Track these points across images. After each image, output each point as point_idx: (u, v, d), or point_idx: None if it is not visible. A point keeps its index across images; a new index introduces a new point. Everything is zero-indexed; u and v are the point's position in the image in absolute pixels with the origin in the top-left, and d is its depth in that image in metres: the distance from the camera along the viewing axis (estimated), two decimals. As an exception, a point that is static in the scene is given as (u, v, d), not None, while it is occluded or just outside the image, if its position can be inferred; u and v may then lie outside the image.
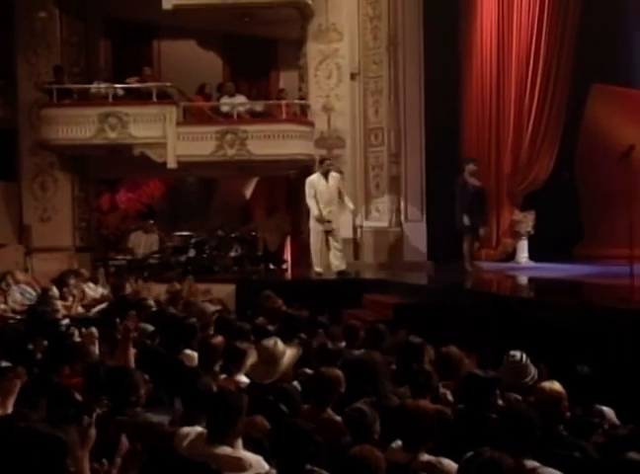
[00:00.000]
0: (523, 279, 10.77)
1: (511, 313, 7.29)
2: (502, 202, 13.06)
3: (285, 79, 15.10)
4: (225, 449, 3.38)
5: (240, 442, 3.53)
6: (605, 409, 4.46)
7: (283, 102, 13.34)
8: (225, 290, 11.43)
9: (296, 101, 13.66)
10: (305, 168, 13.21)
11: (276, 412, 4.15)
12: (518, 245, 12.65)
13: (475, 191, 11.29)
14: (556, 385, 3.98)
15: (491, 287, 10.48)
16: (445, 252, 12.59)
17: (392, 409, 3.91)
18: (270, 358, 4.61)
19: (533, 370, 4.78)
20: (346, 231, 13.13)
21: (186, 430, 3.60)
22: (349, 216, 13.02)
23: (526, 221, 12.50)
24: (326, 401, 4.21)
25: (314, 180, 11.52)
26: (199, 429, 3.58)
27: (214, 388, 4.27)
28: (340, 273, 11.52)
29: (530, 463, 3.16)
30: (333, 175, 11.62)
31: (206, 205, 16.93)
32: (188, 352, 5.73)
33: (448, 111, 13.18)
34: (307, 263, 12.51)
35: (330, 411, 4.17)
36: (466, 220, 11.11)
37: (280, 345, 4.70)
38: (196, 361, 5.47)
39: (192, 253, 13.75)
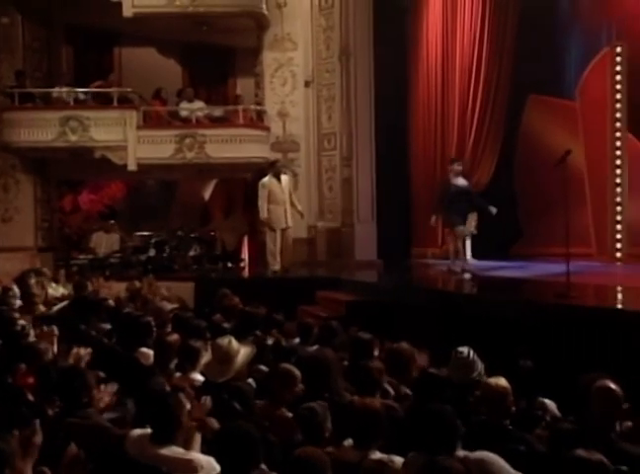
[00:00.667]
0: (467, 277, 10.68)
1: (457, 309, 7.18)
2: (446, 204, 12.95)
3: (243, 86, 14.82)
4: (175, 451, 3.14)
5: (197, 444, 3.31)
6: (547, 401, 4.35)
7: (240, 107, 13.11)
8: (184, 288, 11.16)
9: (253, 106, 13.40)
10: (261, 171, 12.86)
11: (230, 410, 3.93)
12: (462, 244, 12.55)
13: (457, 190, 10.41)
14: (502, 381, 3.82)
15: (437, 285, 10.36)
16: (395, 251, 12.54)
17: (343, 406, 3.69)
18: (224, 357, 4.37)
19: (480, 366, 4.63)
20: (300, 231, 12.97)
21: (137, 431, 3.34)
22: (305, 217, 12.77)
23: (469, 222, 12.43)
24: (281, 399, 4.00)
25: (267, 182, 11.31)
26: (149, 430, 3.33)
27: (167, 387, 4.01)
28: (285, 269, 11.36)
29: (461, 452, 3.00)
30: (284, 177, 11.46)
31: (167, 207, 16.55)
32: (144, 350, 5.45)
33: (397, 117, 13.16)
34: (264, 261, 12.29)
35: (284, 409, 3.95)
36: (453, 220, 10.48)
37: (235, 343, 4.46)
38: (151, 359, 5.20)
39: (152, 252, 13.49)
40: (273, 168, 11.57)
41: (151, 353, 5.27)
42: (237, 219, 15.28)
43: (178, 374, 4.73)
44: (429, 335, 6.93)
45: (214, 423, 3.48)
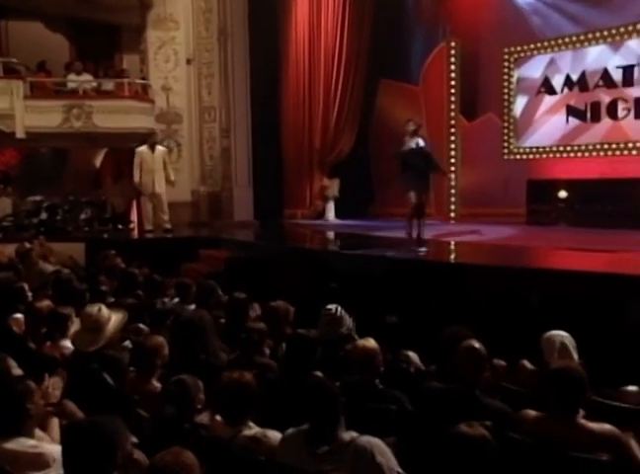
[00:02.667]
0: (332, 235, 10.25)
1: (326, 265, 6.60)
2: (313, 171, 12.53)
3: (128, 61, 13.35)
4: (24, 444, 2.28)
5: (55, 432, 2.49)
6: (411, 353, 3.87)
7: (126, 80, 11.75)
8: (75, 249, 9.97)
9: (138, 80, 12.09)
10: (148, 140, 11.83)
11: (100, 381, 3.12)
12: (326, 206, 12.19)
13: (410, 151, 7.68)
14: (370, 342, 3.25)
15: (305, 242, 9.79)
16: (269, 212, 12.00)
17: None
18: (93, 325, 3.49)
19: (348, 320, 4.06)
20: (184, 195, 12.11)
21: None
22: (189, 182, 12.09)
23: (333, 186, 12.15)
24: (149, 370, 3.21)
25: (139, 151, 10.46)
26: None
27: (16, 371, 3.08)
28: (165, 230, 10.46)
29: (348, 434, 2.38)
30: (159, 148, 10.57)
31: (60, 173, 14.88)
32: (17, 316, 4.46)
33: (271, 93, 12.58)
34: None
35: (154, 381, 3.17)
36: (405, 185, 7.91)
37: (105, 311, 3.59)
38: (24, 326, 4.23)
39: (44, 216, 11.98)
40: (150, 139, 10.67)
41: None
42: (125, 184, 13.96)
43: (49, 343, 3.82)
44: (300, 289, 6.32)
45: (73, 407, 2.65)
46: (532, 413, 2.60)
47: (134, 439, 2.63)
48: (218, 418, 2.64)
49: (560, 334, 3.27)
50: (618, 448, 2.42)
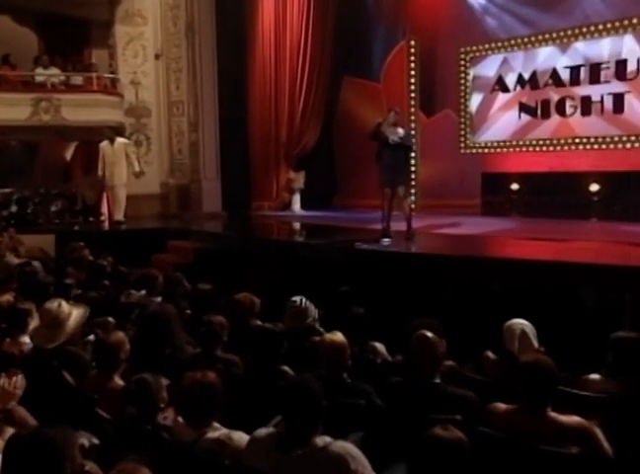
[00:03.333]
0: (298, 226, 9.99)
1: (293, 256, 6.34)
2: (279, 164, 12.20)
3: (97, 56, 12.71)
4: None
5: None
6: (377, 344, 3.66)
7: (94, 74, 11.23)
8: (45, 241, 9.49)
9: (106, 74, 11.56)
10: (117, 134, 11.30)
11: (59, 380, 2.83)
12: (292, 198, 11.90)
13: (388, 143, 6.92)
14: (338, 336, 3.01)
15: (272, 233, 9.50)
16: (237, 203, 11.63)
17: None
18: (53, 321, 3.18)
19: (313, 311, 3.84)
20: (154, 187, 11.72)
21: None
22: (158, 175, 11.66)
23: (299, 179, 11.87)
24: (111, 368, 2.93)
25: (103, 145, 10.10)
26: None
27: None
28: (118, 222, 10.10)
29: (321, 439, 2.14)
30: (119, 140, 10.17)
31: (30, 166, 14.22)
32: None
33: (238, 88, 12.16)
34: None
35: (116, 378, 2.89)
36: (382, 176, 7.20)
37: (65, 306, 3.27)
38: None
39: (14, 208, 11.39)
40: (107, 132, 10.23)
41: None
42: (95, 177, 13.39)
43: (8, 340, 3.49)
44: (266, 279, 6.06)
45: (23, 413, 2.36)
46: (502, 406, 2.43)
47: (95, 441, 2.37)
48: (181, 419, 2.38)
49: (520, 322, 3.12)
50: (588, 440, 2.26)
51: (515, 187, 10.84)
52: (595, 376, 2.93)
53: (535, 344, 3.00)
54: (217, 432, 2.26)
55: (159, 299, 4.83)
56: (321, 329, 3.85)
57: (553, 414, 2.32)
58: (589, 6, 9.79)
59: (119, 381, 2.83)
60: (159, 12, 11.85)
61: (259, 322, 4.59)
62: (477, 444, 2.24)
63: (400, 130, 7.08)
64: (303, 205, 11.79)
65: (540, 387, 2.31)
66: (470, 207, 10.62)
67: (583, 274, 4.83)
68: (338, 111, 12.61)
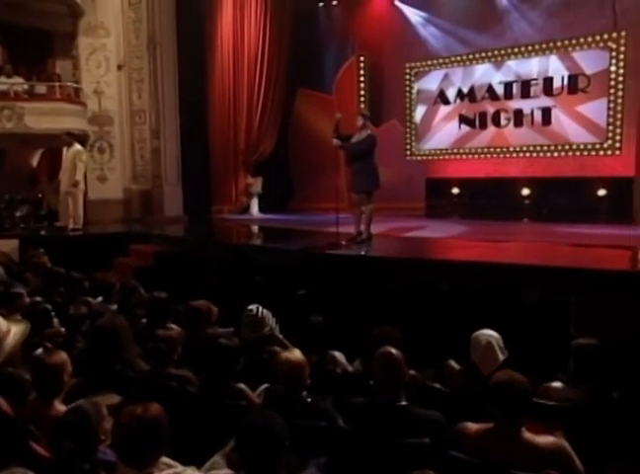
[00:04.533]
0: (256, 229, 9.50)
1: (248, 260, 5.86)
2: (238, 170, 11.66)
3: (61, 66, 11.79)
4: None
5: None
6: (337, 353, 3.24)
7: (57, 83, 10.40)
8: (9, 246, 8.68)
9: (69, 84, 10.73)
10: (82, 142, 10.55)
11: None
12: (251, 202, 11.38)
13: (348, 147, 6.45)
14: (295, 354, 2.57)
15: (231, 237, 8.94)
16: (198, 207, 11.04)
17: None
18: (-11, 340, 2.64)
19: (271, 320, 3.39)
20: (117, 193, 10.96)
21: None
22: (121, 181, 10.91)
23: (256, 184, 11.37)
24: (52, 392, 2.40)
25: (64, 151, 9.28)
26: None
27: None
28: (73, 230, 9.09)
29: None
30: (73, 148, 9.18)
31: (-4, 173, 13.17)
32: None
33: (198, 97, 11.57)
34: (86, 220, 10.10)
35: (57, 404, 2.36)
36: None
37: (3, 322, 2.72)
38: None
39: (-22, 214, 10.43)
40: (65, 139, 9.30)
41: None
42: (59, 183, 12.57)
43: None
44: (225, 282, 5.57)
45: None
46: (473, 427, 2.07)
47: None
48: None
49: (487, 333, 2.76)
50: (563, 461, 1.93)
51: (455, 191, 10.73)
52: (556, 384, 2.62)
53: (500, 356, 2.66)
54: (165, 471, 1.80)
55: (115, 307, 4.30)
56: (280, 336, 3.44)
57: (528, 434, 1.98)
58: (518, 29, 9.82)
59: (60, 407, 2.31)
60: (121, 25, 11.09)
61: (218, 328, 4.15)
62: (448, 470, 1.87)
63: (357, 136, 6.47)
64: (261, 209, 11.33)
65: (514, 407, 1.96)
66: (416, 210, 10.46)
67: (528, 275, 4.58)
68: (293, 120, 12.25)
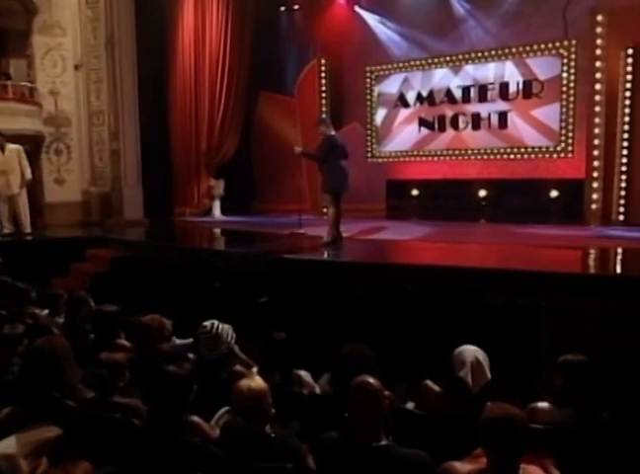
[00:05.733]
0: (218, 232, 8.99)
1: (208, 265, 5.36)
2: (200, 172, 11.08)
3: (16, 66, 10.91)
4: None
5: None
6: (302, 373, 2.81)
7: (9, 82, 9.58)
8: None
9: (22, 83, 9.91)
10: (37, 143, 9.80)
11: None
12: (213, 204, 10.84)
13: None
14: (256, 382, 2.15)
15: (192, 241, 8.37)
16: (160, 210, 10.40)
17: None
18: None
19: (228, 335, 2.94)
20: (75, 195, 10.20)
21: None
22: (79, 183, 10.15)
23: (218, 186, 10.85)
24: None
25: None
26: None
27: None
28: (25, 234, 8.29)
29: None
30: (10, 148, 8.30)
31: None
32: None
33: (159, 99, 10.92)
34: (43, 223, 9.39)
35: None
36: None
37: None
38: None
39: None
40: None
41: None
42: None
43: None
44: (182, 289, 5.06)
45: None
46: (463, 469, 1.71)
47: None
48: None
49: (472, 349, 2.42)
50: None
51: (415, 192, 10.53)
52: (543, 405, 2.30)
53: (488, 374, 2.32)
54: None
55: (62, 320, 3.78)
56: (240, 354, 3.01)
57: (525, 475, 1.63)
58: (474, 36, 9.71)
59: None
60: (78, 24, 10.31)
61: (176, 340, 3.70)
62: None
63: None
64: (223, 211, 10.80)
65: (512, 447, 1.62)
66: (376, 211, 10.20)
67: (493, 279, 4.30)
68: (255, 122, 11.74)
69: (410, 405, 2.70)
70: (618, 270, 5.10)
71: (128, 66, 10.29)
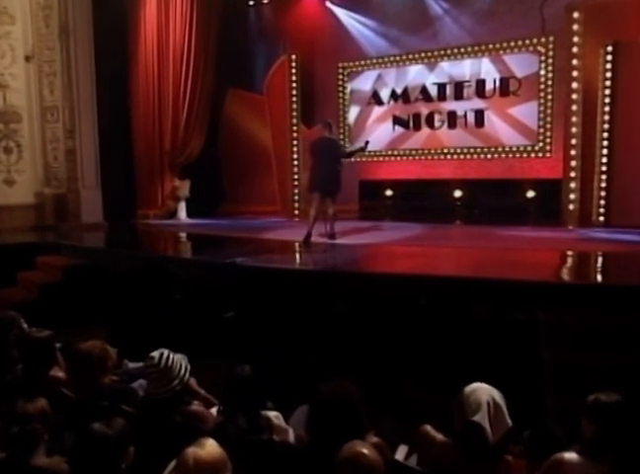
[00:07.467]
0: (182, 237, 8.37)
1: (168, 275, 4.77)
2: (164, 172, 10.38)
3: (-41, 57, 10.11)
4: None
5: None
6: (272, 414, 2.26)
7: (-49, 74, 8.71)
8: None
9: (-34, 75, 9.05)
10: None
11: None
12: (178, 206, 10.16)
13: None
14: (210, 449, 1.60)
15: (151, 248, 7.73)
16: (121, 212, 9.66)
17: None
18: None
19: (181, 369, 2.36)
20: (28, 197, 9.37)
21: None
22: (32, 184, 9.31)
23: (184, 187, 10.18)
24: None
25: None
26: None
27: None
28: None
29: None
30: None
31: None
32: None
33: (119, 94, 10.12)
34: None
35: None
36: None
37: None
38: None
39: None
40: None
41: None
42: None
43: None
44: (140, 302, 4.46)
45: None
46: None
47: None
48: None
49: (486, 387, 1.92)
50: None
51: (389, 193, 10.15)
52: (571, 456, 1.85)
53: (508, 420, 1.85)
54: None
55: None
56: (199, 390, 2.48)
57: None
58: (449, 32, 9.41)
59: None
60: (29, 11, 9.47)
61: (129, 363, 3.15)
62: None
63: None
64: (189, 213, 10.15)
65: None
66: (349, 212, 9.78)
67: (481, 289, 3.89)
68: (222, 120, 11.09)
69: (403, 449, 2.23)
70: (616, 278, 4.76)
71: (85, 59, 9.50)
